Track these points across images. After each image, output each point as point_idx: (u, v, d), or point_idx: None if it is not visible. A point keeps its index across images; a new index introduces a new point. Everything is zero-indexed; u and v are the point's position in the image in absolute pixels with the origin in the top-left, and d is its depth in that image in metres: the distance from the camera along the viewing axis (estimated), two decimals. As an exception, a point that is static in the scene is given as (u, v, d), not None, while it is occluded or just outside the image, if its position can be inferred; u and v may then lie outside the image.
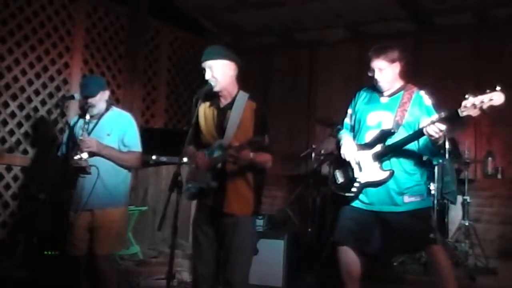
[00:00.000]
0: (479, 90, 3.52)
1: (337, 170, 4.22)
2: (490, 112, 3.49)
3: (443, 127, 3.64)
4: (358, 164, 4.05)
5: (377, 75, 4.08)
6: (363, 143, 4.09)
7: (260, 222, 7.05)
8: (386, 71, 4.05)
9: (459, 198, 6.32)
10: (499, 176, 7.34)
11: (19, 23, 6.31)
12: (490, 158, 7.39)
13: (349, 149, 4.12)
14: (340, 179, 4.18)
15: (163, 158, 6.76)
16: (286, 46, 9.26)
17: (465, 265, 5.92)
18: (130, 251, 6.52)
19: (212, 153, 3.73)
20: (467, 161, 6.45)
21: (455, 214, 6.48)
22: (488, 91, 3.48)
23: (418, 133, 3.83)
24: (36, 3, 6.46)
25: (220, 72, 3.76)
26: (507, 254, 6.79)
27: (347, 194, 4.08)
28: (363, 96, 4.29)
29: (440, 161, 5.86)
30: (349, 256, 4.09)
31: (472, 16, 7.58)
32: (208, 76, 3.76)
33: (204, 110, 3.90)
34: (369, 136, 4.07)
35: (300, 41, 9.08)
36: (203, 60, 3.79)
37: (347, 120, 4.35)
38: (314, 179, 7.12)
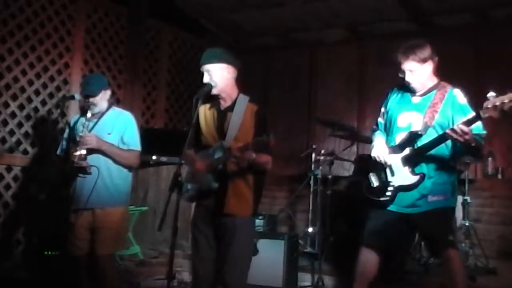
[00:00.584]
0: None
1: (371, 174, 4.14)
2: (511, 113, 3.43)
3: (467, 129, 3.57)
4: (390, 167, 4.01)
5: (408, 77, 3.98)
6: (394, 145, 4.03)
7: (260, 222, 7.07)
8: (417, 72, 3.96)
9: (460, 198, 6.30)
10: (500, 177, 7.34)
11: (19, 23, 6.31)
12: (490, 158, 7.38)
13: (380, 151, 4.07)
14: (375, 182, 4.12)
15: (163, 159, 6.76)
16: (286, 46, 9.27)
17: (465, 265, 5.91)
18: (130, 251, 6.52)
19: (213, 154, 3.73)
20: (467, 161, 6.43)
21: (455, 214, 6.47)
22: (508, 91, 3.43)
23: (443, 137, 3.75)
24: (36, 4, 6.46)
25: (218, 75, 3.77)
26: (507, 254, 6.78)
27: (382, 199, 4.01)
28: (395, 95, 4.20)
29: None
30: (370, 258, 4.09)
31: (472, 16, 7.57)
32: (206, 79, 3.77)
33: (205, 112, 3.90)
34: (399, 138, 4.01)
35: (300, 42, 9.08)
36: (201, 63, 3.81)
37: (380, 119, 4.29)
38: (314, 179, 7.11)
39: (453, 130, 3.62)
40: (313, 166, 7.20)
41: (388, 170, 4.03)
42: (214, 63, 3.78)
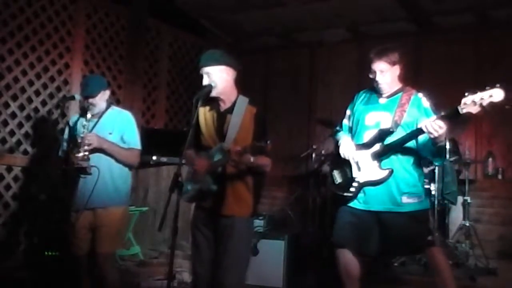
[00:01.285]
0: (479, 90, 3.54)
1: (335, 171, 4.25)
2: (491, 109, 3.52)
3: (443, 124, 3.65)
4: (357, 163, 4.08)
5: (378, 77, 4.09)
6: (361, 142, 4.11)
7: (260, 222, 7.07)
8: (387, 73, 4.08)
9: (460, 199, 6.32)
10: (500, 177, 7.35)
11: (19, 24, 6.31)
12: (490, 159, 7.39)
13: (348, 148, 4.15)
14: (338, 179, 4.21)
15: (164, 159, 6.76)
16: (287, 46, 9.28)
17: (466, 266, 5.92)
18: (130, 252, 6.52)
19: (212, 156, 3.73)
20: (467, 161, 6.45)
21: (456, 214, 6.48)
22: (487, 88, 3.52)
23: (418, 131, 3.85)
24: (36, 4, 6.46)
25: (217, 77, 3.77)
26: (507, 254, 6.78)
27: (345, 194, 4.10)
28: (361, 97, 4.32)
29: (442, 162, 5.83)
30: (348, 257, 4.11)
31: (472, 17, 7.58)
32: (206, 82, 3.77)
33: (204, 114, 3.90)
34: (367, 136, 4.09)
35: (300, 42, 9.09)
36: (200, 66, 3.81)
37: (345, 121, 4.38)
38: (314, 179, 7.12)
39: (430, 123, 3.69)
40: (313, 166, 7.20)
41: (354, 166, 4.10)
42: (214, 65, 3.78)
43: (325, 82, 8.86)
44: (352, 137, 4.23)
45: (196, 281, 3.86)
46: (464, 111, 3.58)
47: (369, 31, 8.39)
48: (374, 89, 4.20)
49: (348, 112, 4.37)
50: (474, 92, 3.55)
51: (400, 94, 4.10)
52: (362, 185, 4.03)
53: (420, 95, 4.07)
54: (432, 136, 3.72)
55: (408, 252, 5.03)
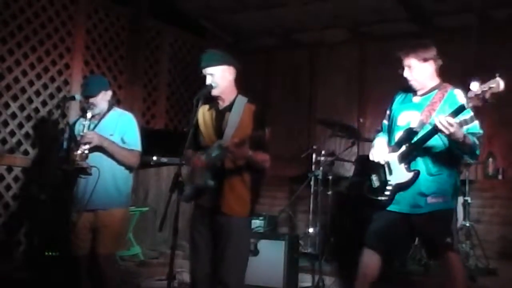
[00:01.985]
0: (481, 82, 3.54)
1: (373, 175, 4.12)
2: (494, 100, 3.47)
3: (453, 121, 3.58)
4: (388, 166, 4.02)
5: (406, 73, 4.03)
6: (393, 144, 4.05)
7: (261, 222, 7.07)
8: (416, 70, 4.00)
9: (460, 199, 6.30)
10: (500, 177, 7.35)
11: (20, 24, 6.31)
12: (491, 159, 7.39)
13: (378, 151, 4.09)
14: (376, 183, 4.10)
15: (164, 159, 6.75)
16: (287, 47, 9.27)
17: (466, 266, 5.90)
18: (131, 252, 6.52)
19: (211, 153, 3.73)
20: (468, 162, 6.43)
21: (456, 215, 6.47)
22: (488, 80, 3.47)
23: (433, 129, 3.75)
24: (37, 4, 6.47)
25: (220, 77, 3.79)
26: (507, 255, 6.79)
27: (381, 198, 4.01)
28: (399, 97, 4.23)
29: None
30: (372, 260, 4.08)
31: (473, 17, 7.57)
32: (209, 82, 3.78)
33: (203, 113, 3.91)
34: (398, 137, 4.02)
35: (300, 42, 9.09)
36: (202, 66, 3.81)
37: (385, 121, 4.31)
38: (315, 179, 7.11)
39: (439, 120, 3.62)
40: (313, 166, 7.20)
41: (386, 169, 4.03)
42: (216, 65, 3.79)
43: (325, 83, 8.86)
44: (389, 137, 4.16)
45: (195, 281, 3.86)
46: (470, 105, 3.55)
47: (369, 32, 8.39)
48: (410, 87, 4.10)
49: (387, 111, 4.28)
50: (478, 84, 3.49)
51: (434, 91, 4.01)
52: (395, 188, 3.95)
53: (457, 91, 3.94)
54: (444, 134, 3.65)
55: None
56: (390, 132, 4.18)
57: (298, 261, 5.96)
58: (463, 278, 4.04)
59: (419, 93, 4.07)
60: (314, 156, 7.26)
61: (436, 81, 4.08)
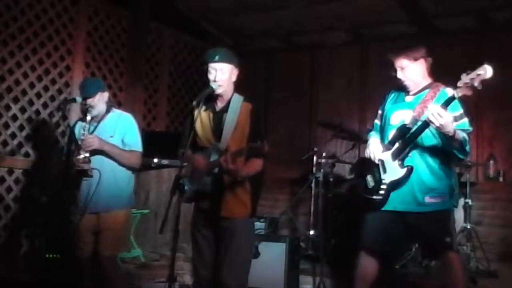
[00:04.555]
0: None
1: (368, 175, 4.13)
2: (483, 87, 3.55)
3: (443, 112, 3.58)
4: (382, 164, 4.02)
5: (399, 74, 4.06)
6: (387, 142, 4.06)
7: (261, 224, 7.06)
8: (408, 69, 4.03)
9: (461, 201, 6.30)
10: (501, 179, 7.35)
11: (21, 26, 6.32)
12: (491, 161, 7.39)
13: (374, 149, 4.10)
14: (371, 183, 4.10)
15: (165, 161, 6.76)
16: (288, 49, 9.28)
17: (467, 268, 5.91)
18: (131, 254, 6.52)
19: (208, 156, 3.73)
20: (468, 164, 6.43)
21: (457, 217, 6.44)
22: (477, 68, 3.59)
23: (426, 122, 3.74)
24: (37, 6, 6.48)
25: (227, 76, 3.78)
26: (508, 257, 6.78)
27: (375, 197, 4.01)
28: (391, 97, 4.26)
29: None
30: (370, 262, 4.09)
31: (473, 19, 7.58)
32: (212, 77, 3.75)
33: (200, 114, 3.87)
34: (391, 135, 4.03)
35: (301, 44, 9.09)
36: (212, 60, 3.77)
37: (376, 121, 4.34)
38: (315, 182, 7.11)
39: (430, 111, 3.63)
40: (314, 168, 7.20)
41: (381, 168, 4.04)
42: (226, 63, 3.78)
43: (326, 85, 8.86)
44: (382, 136, 4.18)
45: (198, 283, 3.86)
46: (460, 94, 3.59)
47: (370, 34, 8.39)
48: (403, 88, 4.14)
49: (379, 112, 4.32)
50: (466, 74, 3.59)
51: (426, 90, 4.04)
52: (389, 186, 3.95)
53: (448, 89, 3.94)
54: (434, 126, 3.64)
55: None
56: (382, 131, 4.20)
57: (299, 263, 5.96)
58: (463, 278, 4.05)
59: (411, 92, 4.10)
60: (315, 158, 7.26)
61: (428, 80, 4.12)
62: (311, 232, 7.00)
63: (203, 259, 3.81)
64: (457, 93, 3.60)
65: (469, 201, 6.28)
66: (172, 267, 3.40)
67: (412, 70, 4.04)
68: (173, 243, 3.38)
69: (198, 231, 3.84)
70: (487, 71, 3.54)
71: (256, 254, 5.63)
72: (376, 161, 4.06)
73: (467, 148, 3.88)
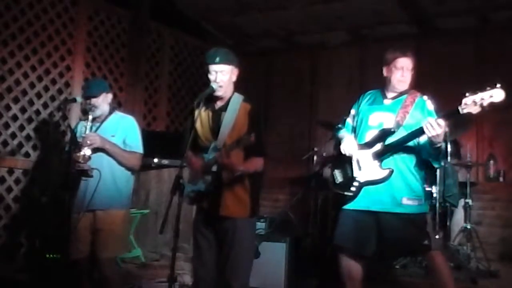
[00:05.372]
0: (480, 89, 3.55)
1: (336, 170, 4.21)
2: (491, 109, 3.52)
3: (442, 123, 3.63)
4: (358, 162, 4.06)
5: (398, 73, 4.10)
6: (363, 142, 4.09)
7: (262, 225, 7.05)
8: (409, 72, 4.10)
9: (461, 201, 6.31)
10: (501, 179, 7.35)
11: (21, 26, 6.32)
12: (492, 161, 7.39)
13: (349, 145, 4.12)
14: (339, 178, 4.18)
15: (165, 161, 6.76)
16: (288, 49, 9.28)
17: (467, 268, 5.91)
18: (132, 254, 6.52)
19: (208, 155, 3.74)
20: (469, 164, 6.44)
21: (457, 217, 6.47)
22: (488, 88, 3.51)
23: (419, 131, 3.80)
24: (38, 6, 6.47)
25: (227, 77, 3.80)
26: (509, 257, 6.78)
27: (346, 193, 4.07)
28: (367, 98, 4.31)
29: (441, 165, 5.76)
30: (349, 261, 4.10)
31: (473, 19, 7.58)
32: (213, 78, 3.77)
33: (200, 114, 3.88)
34: (369, 136, 4.07)
35: (301, 44, 9.09)
36: (212, 62, 3.78)
37: (349, 120, 4.37)
38: (315, 181, 7.11)
39: (429, 121, 3.67)
40: (314, 168, 7.20)
41: (355, 165, 4.07)
42: (227, 64, 3.79)
43: (326, 85, 8.86)
44: (355, 136, 4.21)
45: (198, 283, 3.86)
46: (465, 111, 3.58)
47: (370, 34, 8.39)
48: (380, 90, 4.23)
49: (352, 111, 4.36)
50: (474, 92, 3.55)
51: (405, 96, 4.10)
52: (362, 185, 4.01)
53: (425, 97, 4.06)
54: (429, 135, 3.68)
55: (403, 254, 4.99)
56: (357, 131, 4.23)
57: (299, 264, 5.96)
58: (449, 273, 4.10)
59: (389, 96, 4.17)
60: (315, 158, 7.26)
61: (406, 87, 4.17)
62: (311, 232, 7.00)
63: (204, 259, 3.81)
64: (462, 110, 3.59)
65: (470, 201, 6.28)
66: (172, 267, 3.39)
67: (410, 74, 4.12)
68: (174, 243, 3.37)
69: (199, 232, 3.85)
70: (499, 95, 3.49)
71: (257, 254, 5.63)
72: (352, 157, 4.09)
73: (441, 157, 3.97)
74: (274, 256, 5.67)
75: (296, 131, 8.92)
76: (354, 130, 4.28)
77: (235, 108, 3.80)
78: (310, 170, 7.37)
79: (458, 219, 6.44)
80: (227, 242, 3.71)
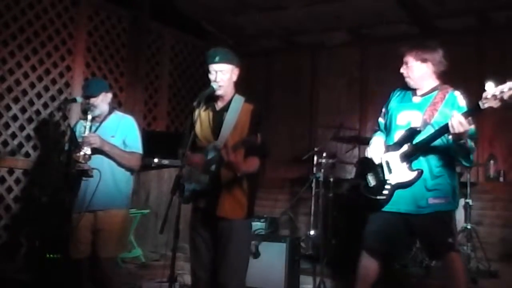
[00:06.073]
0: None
1: (369, 174, 4.11)
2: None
3: (463, 120, 3.55)
4: (388, 165, 3.99)
5: (402, 69, 4.06)
6: (392, 143, 4.03)
7: (262, 225, 7.06)
8: (411, 68, 4.02)
9: (461, 201, 6.30)
10: (501, 179, 7.35)
11: (21, 26, 6.32)
12: (492, 161, 7.39)
13: (375, 150, 4.08)
14: (372, 182, 4.09)
15: (165, 161, 6.76)
16: (288, 49, 9.28)
17: (467, 268, 5.90)
18: (132, 254, 6.52)
19: (206, 155, 3.73)
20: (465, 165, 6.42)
21: (457, 217, 6.43)
22: (508, 81, 3.43)
23: (444, 129, 3.71)
24: (38, 6, 6.48)
25: (227, 77, 3.79)
26: (509, 257, 6.77)
27: (378, 197, 3.99)
28: (397, 95, 4.23)
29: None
30: (371, 262, 4.08)
31: (474, 19, 7.58)
32: (213, 78, 3.76)
33: (200, 114, 3.87)
34: (397, 136, 4.00)
35: (302, 44, 9.09)
36: (212, 61, 3.78)
37: (380, 119, 4.31)
38: (316, 182, 7.11)
39: (454, 118, 3.59)
40: (315, 168, 7.20)
41: (385, 168, 4.01)
42: (227, 64, 3.79)
43: (326, 85, 8.86)
44: (386, 136, 4.16)
45: (196, 284, 3.85)
46: (486, 106, 3.49)
47: (371, 34, 8.39)
48: (409, 87, 4.12)
49: (383, 110, 4.28)
50: (494, 85, 3.46)
51: (435, 92, 4.01)
52: (394, 187, 3.93)
53: (457, 93, 3.95)
54: (453, 131, 3.61)
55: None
56: (387, 130, 4.17)
57: (299, 264, 5.95)
58: (464, 278, 4.05)
59: (418, 93, 4.07)
60: (315, 158, 7.26)
61: (434, 82, 4.09)
62: (311, 232, 7.01)
63: (201, 259, 3.81)
64: (483, 104, 3.51)
65: (470, 201, 6.27)
66: (172, 267, 3.39)
67: (415, 70, 4.03)
68: (174, 243, 3.37)
69: (197, 232, 3.83)
70: None
71: (256, 254, 5.63)
72: (377, 161, 4.04)
73: (472, 157, 3.88)
74: (274, 256, 5.66)
75: (296, 131, 8.92)
76: (385, 127, 4.22)
77: (237, 108, 3.79)
78: (310, 170, 7.35)
79: (458, 219, 6.43)
80: (223, 242, 3.70)
